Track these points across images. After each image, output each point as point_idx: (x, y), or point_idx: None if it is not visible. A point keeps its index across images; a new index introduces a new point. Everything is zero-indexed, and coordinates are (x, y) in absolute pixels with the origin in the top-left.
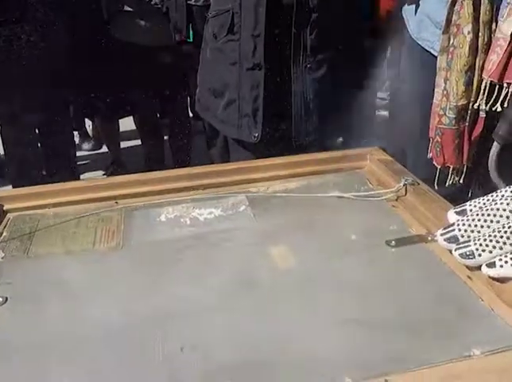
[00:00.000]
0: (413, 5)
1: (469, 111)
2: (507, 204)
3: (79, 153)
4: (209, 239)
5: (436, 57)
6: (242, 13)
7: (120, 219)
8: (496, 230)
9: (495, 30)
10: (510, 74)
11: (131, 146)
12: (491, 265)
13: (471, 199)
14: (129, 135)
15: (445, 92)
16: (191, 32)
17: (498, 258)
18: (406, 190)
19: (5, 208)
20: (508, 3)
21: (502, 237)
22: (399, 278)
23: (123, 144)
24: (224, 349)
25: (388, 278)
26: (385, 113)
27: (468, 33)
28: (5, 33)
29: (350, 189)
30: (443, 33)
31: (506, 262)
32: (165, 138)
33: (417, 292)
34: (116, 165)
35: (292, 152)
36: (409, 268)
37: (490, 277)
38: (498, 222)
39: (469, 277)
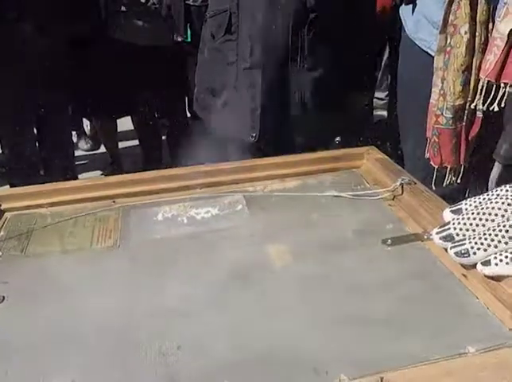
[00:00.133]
0: (410, 5)
1: (466, 111)
2: (502, 203)
3: (77, 154)
4: (206, 238)
5: (433, 57)
6: (240, 13)
7: (117, 218)
8: (491, 228)
9: (492, 30)
10: (507, 74)
11: (129, 146)
12: (486, 263)
13: (465, 199)
14: (127, 135)
15: (442, 92)
16: (189, 32)
17: (493, 256)
18: (403, 189)
19: (2, 207)
20: (505, 3)
21: (497, 235)
22: (395, 276)
23: (121, 144)
24: (221, 347)
25: (384, 276)
26: (383, 113)
27: (465, 32)
28: (4, 32)
29: (346, 188)
30: (440, 32)
31: (501, 260)
32: (163, 137)
33: (413, 290)
34: (114, 165)
35: (290, 152)
36: (405, 267)
37: (485, 275)
38: (493, 221)
39: (464, 275)
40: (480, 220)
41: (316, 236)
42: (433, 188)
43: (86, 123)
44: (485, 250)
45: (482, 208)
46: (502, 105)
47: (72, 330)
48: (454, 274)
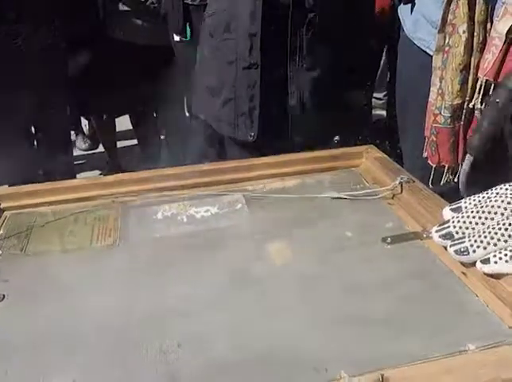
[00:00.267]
0: (409, 5)
1: (464, 110)
2: (502, 201)
3: (75, 153)
4: (206, 237)
5: (431, 57)
6: (239, 13)
7: (117, 217)
8: (491, 226)
9: (490, 30)
10: (505, 73)
11: (128, 146)
12: (486, 261)
13: (465, 198)
14: (125, 135)
15: (440, 91)
16: (188, 31)
17: (493, 254)
18: (402, 188)
19: (1, 206)
20: (503, 3)
21: (496, 234)
22: (395, 274)
23: (120, 143)
24: (221, 346)
25: (384, 274)
26: (381, 112)
27: (463, 32)
28: (2, 31)
29: (346, 187)
30: (438, 32)
31: (501, 258)
32: (162, 137)
33: (412, 289)
34: (112, 164)
35: (289, 151)
36: (405, 265)
37: (484, 273)
38: (492, 219)
39: (464, 273)
40: (480, 218)
41: (315, 235)
42: (430, 186)
43: (84, 123)
44: (484, 248)
45: (482, 207)
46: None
47: (73, 329)
48: (453, 272)
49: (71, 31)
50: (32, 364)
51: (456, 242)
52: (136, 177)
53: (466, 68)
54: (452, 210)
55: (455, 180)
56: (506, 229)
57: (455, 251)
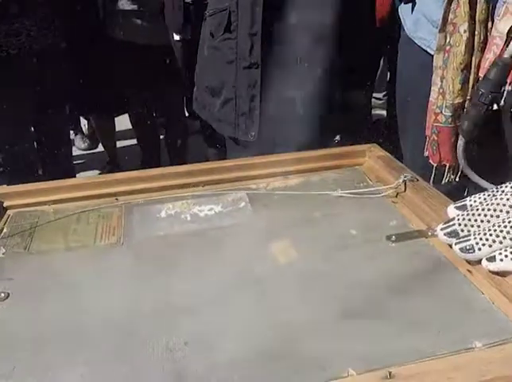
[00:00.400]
0: (410, 4)
1: (465, 110)
2: (507, 199)
3: (74, 153)
4: (210, 235)
5: (432, 56)
6: (239, 12)
7: (120, 215)
8: (496, 224)
9: (491, 29)
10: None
11: (127, 146)
12: (491, 259)
13: (466, 197)
14: (125, 134)
15: (441, 91)
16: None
17: (498, 252)
18: (406, 186)
19: (4, 204)
20: (504, 2)
21: (502, 231)
22: (400, 272)
23: (119, 143)
24: (227, 343)
25: (389, 272)
26: (381, 112)
27: (464, 31)
28: (4, 28)
29: (349, 186)
30: (439, 31)
31: (506, 256)
32: (161, 137)
33: (418, 286)
34: (112, 164)
35: (289, 151)
36: (410, 263)
37: (490, 271)
38: (498, 217)
39: (469, 271)
40: (485, 216)
41: (319, 233)
42: (432, 185)
43: (83, 123)
44: (490, 246)
45: (487, 204)
46: (501, 103)
47: (78, 326)
48: (459, 270)
49: (71, 31)
50: (39, 360)
51: (462, 240)
52: (139, 175)
53: (467, 68)
54: (457, 208)
55: (457, 179)
56: None
57: (461, 249)
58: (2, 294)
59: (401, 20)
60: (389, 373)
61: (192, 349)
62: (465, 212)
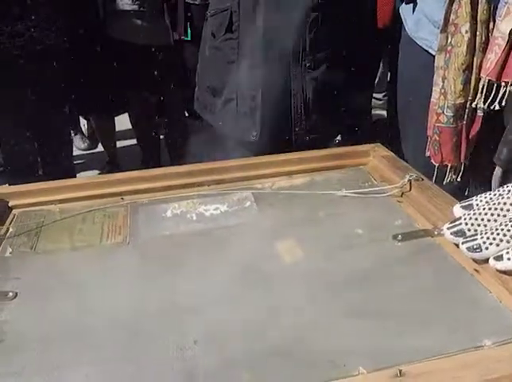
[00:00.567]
0: (411, 4)
1: (467, 110)
2: None
3: (74, 153)
4: (216, 235)
5: (433, 56)
6: (241, 12)
7: (126, 214)
8: (503, 223)
9: (493, 29)
10: (507, 73)
11: (127, 146)
12: (499, 258)
13: (468, 197)
14: (125, 134)
15: (443, 91)
16: (189, 31)
17: (506, 251)
18: (411, 185)
19: (10, 204)
20: (506, 2)
21: (509, 230)
22: (407, 271)
23: (119, 143)
24: (237, 341)
25: (396, 271)
26: (381, 112)
27: (466, 31)
28: (7, 29)
29: (354, 185)
30: (441, 31)
31: None
32: (161, 137)
33: (425, 286)
34: (112, 164)
35: (290, 151)
36: (417, 262)
37: (497, 270)
38: (504, 216)
39: (476, 270)
40: (492, 215)
41: (325, 232)
42: None
43: (83, 123)
44: (497, 245)
45: (494, 204)
46: (503, 104)
47: (84, 325)
48: (466, 269)
49: (71, 31)
50: (46, 359)
51: (469, 239)
52: (145, 174)
53: (468, 68)
54: (463, 207)
55: (458, 179)
56: None
57: (468, 248)
58: (11, 294)
59: (403, 20)
60: (400, 371)
61: (201, 348)
62: (471, 212)
